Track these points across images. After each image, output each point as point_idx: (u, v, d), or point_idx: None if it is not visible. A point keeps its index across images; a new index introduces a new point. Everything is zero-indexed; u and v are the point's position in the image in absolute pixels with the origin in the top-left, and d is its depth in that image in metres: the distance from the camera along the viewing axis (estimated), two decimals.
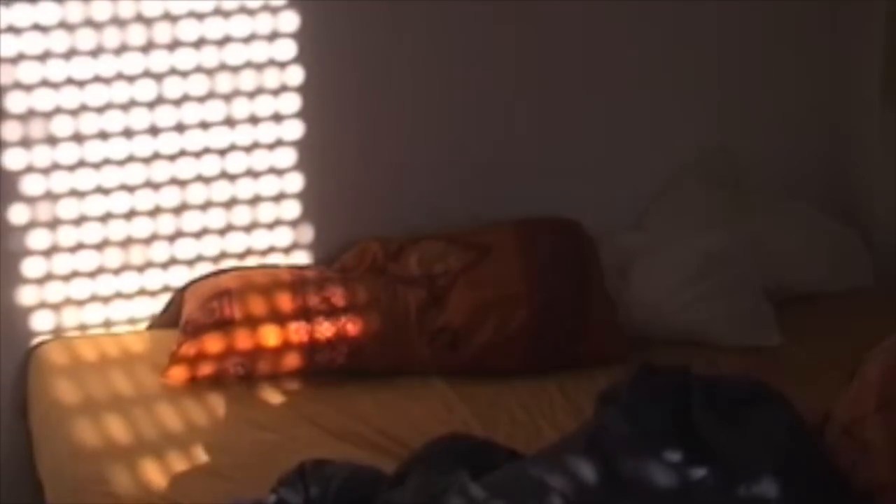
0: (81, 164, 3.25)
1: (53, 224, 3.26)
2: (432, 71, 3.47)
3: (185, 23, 3.24)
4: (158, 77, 3.26)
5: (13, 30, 3.13)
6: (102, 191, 3.28)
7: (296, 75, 3.35)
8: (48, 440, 3.01)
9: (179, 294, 3.36)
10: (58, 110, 3.20)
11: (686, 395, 2.50)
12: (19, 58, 3.15)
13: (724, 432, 2.44)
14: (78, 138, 3.23)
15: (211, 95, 3.31)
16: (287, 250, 3.45)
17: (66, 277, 3.30)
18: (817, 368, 3.10)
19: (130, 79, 3.24)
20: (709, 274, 3.38)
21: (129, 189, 3.30)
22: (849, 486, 2.40)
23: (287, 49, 3.33)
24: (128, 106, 3.25)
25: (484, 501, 2.36)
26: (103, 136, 3.25)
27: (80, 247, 3.29)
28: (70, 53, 3.18)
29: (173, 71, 3.26)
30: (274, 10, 3.30)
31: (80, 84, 3.20)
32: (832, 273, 3.57)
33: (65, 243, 3.28)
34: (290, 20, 3.32)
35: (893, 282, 3.61)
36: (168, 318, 3.36)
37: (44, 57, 3.16)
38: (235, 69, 3.31)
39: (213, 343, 3.14)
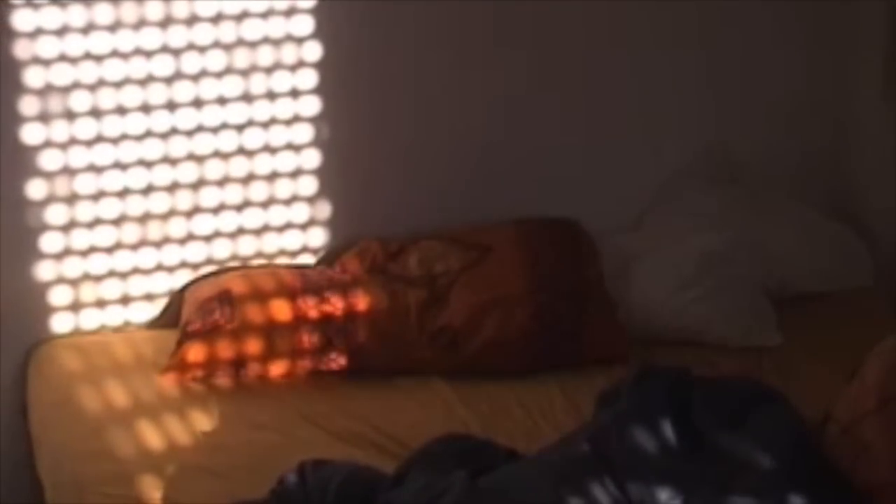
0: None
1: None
2: (432, 71, 3.48)
3: None
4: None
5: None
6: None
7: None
8: (48, 440, 3.01)
9: (179, 294, 3.36)
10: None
11: (686, 395, 2.50)
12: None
13: (724, 432, 2.44)
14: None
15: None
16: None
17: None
18: (817, 368, 3.10)
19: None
20: (709, 274, 3.38)
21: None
22: (849, 485, 2.40)
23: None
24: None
25: (483, 501, 2.36)
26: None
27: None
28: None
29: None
30: None
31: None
32: (832, 273, 3.57)
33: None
34: None
35: (893, 282, 3.61)
36: (168, 319, 3.36)
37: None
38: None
39: (213, 343, 3.14)
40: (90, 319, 3.34)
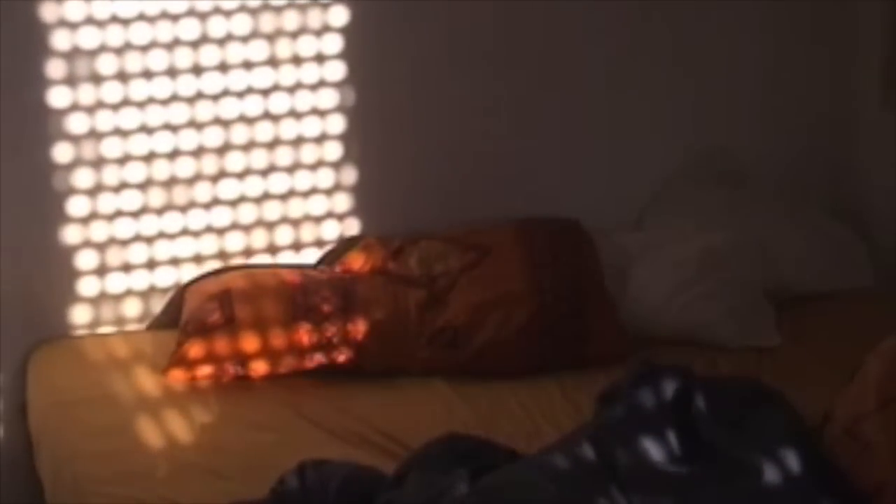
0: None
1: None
2: (432, 72, 3.48)
3: None
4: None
5: None
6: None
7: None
8: (48, 440, 3.01)
9: (180, 293, 3.37)
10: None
11: (686, 395, 2.50)
12: None
13: (724, 432, 2.44)
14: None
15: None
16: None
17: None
18: (817, 368, 3.10)
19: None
20: (709, 274, 3.38)
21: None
22: (849, 485, 2.40)
23: None
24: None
25: (483, 502, 2.36)
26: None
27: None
28: None
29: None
30: None
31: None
32: (832, 273, 3.57)
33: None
34: None
35: (893, 282, 3.61)
36: (169, 318, 3.37)
37: None
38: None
39: (213, 343, 3.14)
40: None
